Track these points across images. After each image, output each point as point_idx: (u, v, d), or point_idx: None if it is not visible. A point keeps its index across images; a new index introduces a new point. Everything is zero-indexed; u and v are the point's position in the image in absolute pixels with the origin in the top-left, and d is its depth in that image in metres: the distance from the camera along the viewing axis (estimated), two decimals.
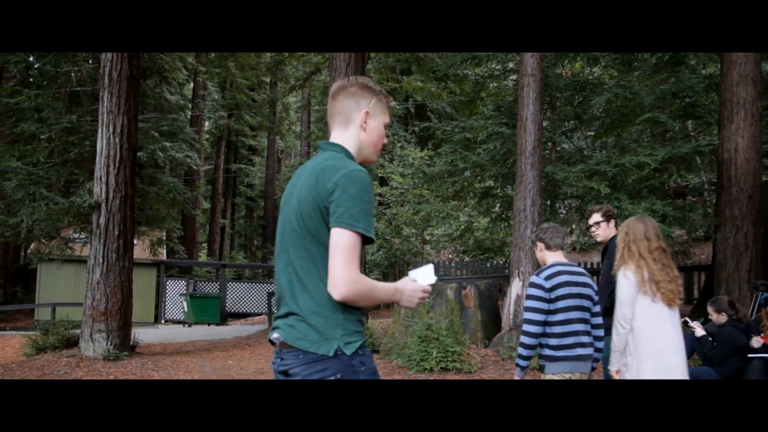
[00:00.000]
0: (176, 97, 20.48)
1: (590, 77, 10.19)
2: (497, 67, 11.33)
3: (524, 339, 3.73)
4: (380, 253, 17.51)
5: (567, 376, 3.58)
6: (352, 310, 1.95)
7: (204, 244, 32.18)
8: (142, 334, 12.50)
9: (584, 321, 3.69)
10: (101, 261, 10.50)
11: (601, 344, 3.79)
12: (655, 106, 9.27)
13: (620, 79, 9.54)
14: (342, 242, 1.86)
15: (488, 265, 16.06)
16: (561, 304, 3.62)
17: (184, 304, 18.71)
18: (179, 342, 13.38)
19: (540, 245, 3.84)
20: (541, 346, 3.70)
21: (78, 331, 12.38)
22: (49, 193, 10.69)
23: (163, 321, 19.55)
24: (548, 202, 10.39)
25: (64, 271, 19.64)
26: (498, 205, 11.52)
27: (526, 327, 3.74)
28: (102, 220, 10.47)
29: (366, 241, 1.93)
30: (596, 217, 4.62)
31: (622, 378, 3.73)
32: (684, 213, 9.26)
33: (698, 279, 13.10)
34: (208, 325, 18.03)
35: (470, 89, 12.60)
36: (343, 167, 1.95)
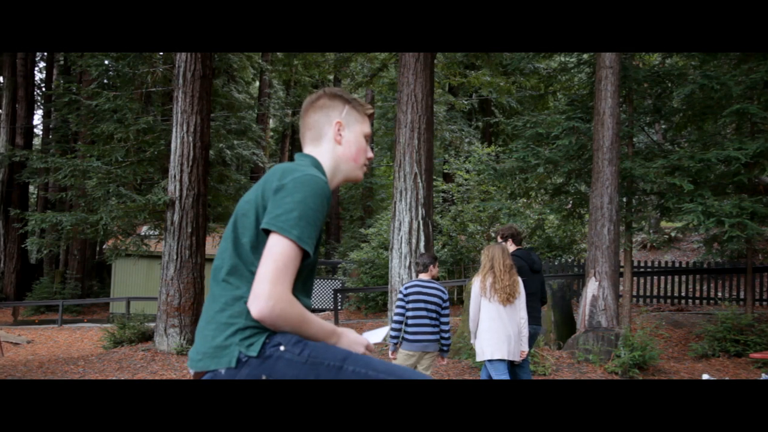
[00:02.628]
0: (243, 95, 20.85)
1: (671, 68, 9.68)
2: (571, 60, 10.94)
3: (392, 326, 5.26)
4: (445, 250, 17.33)
5: (413, 352, 5.14)
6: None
7: None
8: None
9: (430, 318, 5.18)
10: (175, 257, 10.75)
11: (448, 335, 5.26)
12: (743, 97, 8.74)
13: (706, 69, 9.03)
14: (276, 250, 1.57)
15: (556, 263, 15.64)
16: (411, 305, 5.23)
17: None
18: None
19: (419, 270, 5.50)
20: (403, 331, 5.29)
21: (152, 325, 12.78)
22: (126, 191, 11.02)
23: None
24: (624, 199, 9.98)
25: (137, 266, 20.33)
26: (570, 202, 11.15)
27: (393, 318, 5.30)
28: (176, 218, 10.72)
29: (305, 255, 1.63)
30: (499, 238, 5.99)
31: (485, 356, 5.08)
32: None
33: None
34: None
35: (540, 83, 12.24)
36: (299, 170, 1.68)
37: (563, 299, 9.89)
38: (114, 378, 9.58)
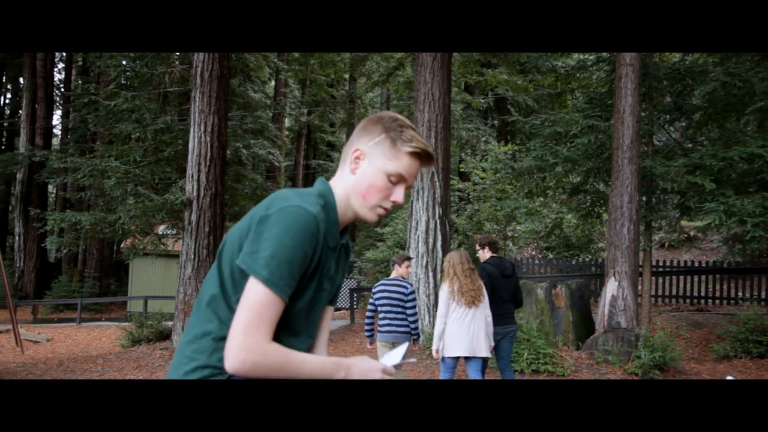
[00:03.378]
0: (259, 95, 20.91)
1: (692, 65, 9.55)
2: (590, 58, 10.84)
3: (366, 321, 6.19)
4: (461, 248, 17.27)
5: (386, 342, 5.89)
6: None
7: None
8: None
9: (395, 312, 5.93)
10: (192, 257, 10.81)
11: (416, 325, 5.97)
12: (767, 94, 8.59)
13: (728, 66, 8.89)
14: (250, 296, 1.43)
15: (573, 263, 15.52)
16: (379, 302, 6.00)
17: None
18: None
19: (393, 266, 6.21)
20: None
21: (170, 324, 12.85)
22: (144, 190, 11.10)
23: None
24: (644, 199, 9.86)
25: (155, 265, 20.49)
26: (589, 201, 11.05)
27: (366, 315, 6.20)
28: (193, 217, 10.78)
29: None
30: (477, 246, 6.50)
31: (440, 355, 5.65)
32: None
33: None
34: None
35: (558, 81, 12.14)
36: (289, 200, 1.50)
37: (581, 299, 9.80)
38: (132, 377, 9.64)
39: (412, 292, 5.96)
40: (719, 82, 8.59)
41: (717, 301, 13.72)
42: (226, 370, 1.44)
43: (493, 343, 5.76)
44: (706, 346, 9.98)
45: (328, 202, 1.61)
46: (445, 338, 5.61)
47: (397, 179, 1.63)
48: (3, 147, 32.02)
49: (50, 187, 29.65)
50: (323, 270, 1.57)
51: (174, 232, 12.67)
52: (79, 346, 14.92)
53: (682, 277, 14.06)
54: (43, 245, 23.24)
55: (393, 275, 6.13)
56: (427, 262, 10.58)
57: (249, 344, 1.40)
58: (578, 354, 8.73)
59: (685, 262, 14.54)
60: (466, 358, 5.64)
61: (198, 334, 1.53)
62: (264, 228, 1.46)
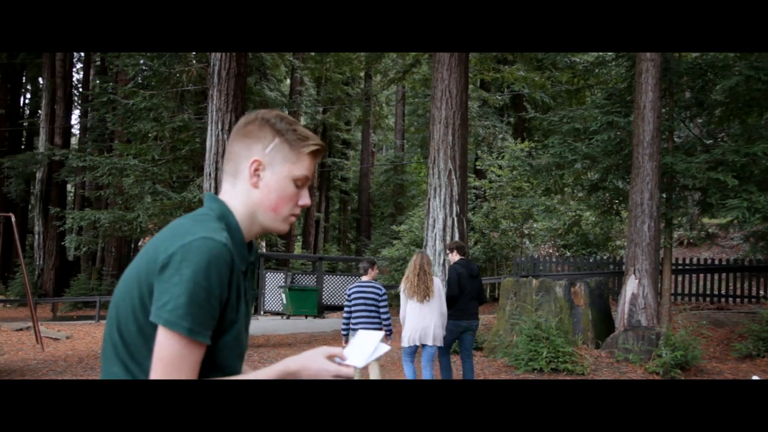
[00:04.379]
0: (275, 93, 20.97)
1: (713, 59, 9.40)
2: (609, 53, 10.73)
3: (343, 322, 6.62)
4: (478, 247, 17.19)
5: None
6: None
7: (299, 237, 32.96)
8: None
9: (369, 311, 6.44)
10: None
11: (389, 322, 6.49)
12: None
13: (752, 60, 8.74)
14: (164, 351, 1.32)
15: (591, 261, 15.39)
16: (354, 302, 6.51)
17: (283, 296, 19.15)
18: (281, 334, 13.69)
19: (361, 273, 6.79)
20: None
21: None
22: (162, 188, 11.17)
23: (262, 312, 20.11)
24: (664, 195, 9.75)
25: None
26: (608, 198, 10.94)
27: (344, 315, 6.61)
28: None
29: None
30: (447, 250, 7.47)
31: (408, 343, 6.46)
32: None
33: None
34: (306, 317, 18.35)
35: (576, 78, 12.03)
36: (190, 233, 1.36)
37: (600, 297, 9.71)
38: None
39: (384, 293, 6.61)
40: (742, 77, 8.46)
41: (738, 300, 13.54)
42: None
43: (444, 333, 6.57)
44: (728, 345, 9.84)
45: (230, 224, 1.47)
46: (402, 330, 6.52)
47: (302, 182, 1.53)
48: (23, 147, 32.41)
49: (69, 186, 29.98)
50: (240, 296, 1.45)
51: None
52: (98, 344, 15.05)
53: (702, 275, 13.89)
54: (63, 243, 23.51)
55: (365, 279, 6.70)
56: (444, 260, 10.53)
57: None
58: (598, 353, 8.65)
59: (705, 259, 14.36)
60: (423, 346, 6.47)
61: None
62: (171, 272, 1.32)
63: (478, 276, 7.05)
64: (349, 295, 6.61)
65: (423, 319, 6.36)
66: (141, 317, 1.37)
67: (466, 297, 6.77)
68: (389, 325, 6.53)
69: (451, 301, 6.76)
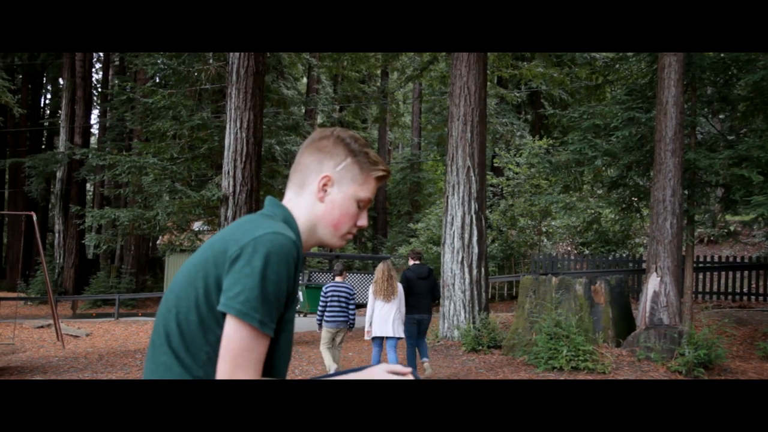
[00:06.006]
0: (292, 91, 21.00)
1: (737, 54, 9.24)
2: None
3: (318, 313, 7.93)
4: (495, 245, 17.10)
5: (331, 329, 7.80)
6: None
7: None
8: None
9: (341, 307, 7.81)
10: None
11: (353, 315, 7.90)
12: None
13: None
14: (233, 342, 1.33)
15: (610, 259, 15.24)
16: (329, 299, 7.82)
17: (300, 294, 19.20)
18: (299, 332, 13.70)
19: (336, 274, 8.23)
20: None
21: None
22: (181, 187, 11.22)
23: None
24: (686, 192, 9.61)
25: None
26: (628, 195, 10.80)
27: (318, 308, 7.92)
28: (229, 213, 10.86)
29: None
30: (408, 256, 8.65)
31: (371, 335, 7.74)
32: None
33: None
34: None
35: (595, 74, 11.90)
36: (261, 227, 1.39)
37: (621, 295, 9.59)
38: None
39: (353, 293, 8.05)
40: (767, 71, 8.31)
41: (761, 298, 13.33)
42: None
43: (403, 327, 7.80)
44: (752, 344, 9.68)
45: (293, 230, 1.51)
46: (372, 324, 7.72)
47: (365, 204, 1.57)
48: (43, 146, 32.82)
49: (88, 186, 30.30)
50: (293, 298, 1.46)
51: (210, 228, 12.79)
52: (117, 341, 15.19)
53: (724, 273, 13.70)
54: (83, 241, 23.75)
55: (338, 279, 8.14)
56: (462, 257, 10.48)
57: None
58: (619, 351, 8.54)
59: (727, 257, 14.16)
60: (387, 338, 7.67)
61: None
62: (242, 264, 1.34)
63: (429, 277, 8.27)
64: (325, 293, 7.94)
65: (387, 314, 7.69)
66: (204, 308, 1.38)
67: (416, 295, 8.12)
68: (354, 318, 8.01)
69: (405, 299, 8.10)
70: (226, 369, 1.34)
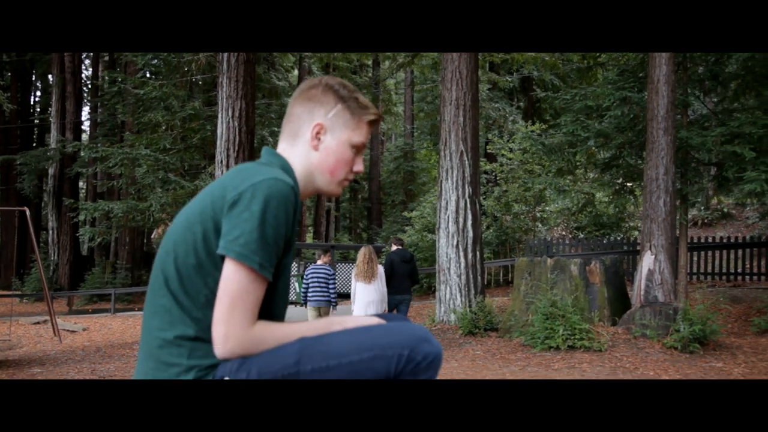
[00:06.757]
0: (283, 83, 20.93)
1: None
2: None
3: (302, 293, 8.54)
4: (490, 231, 17.13)
5: (313, 308, 8.52)
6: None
7: (310, 228, 33.00)
8: None
9: (321, 287, 8.48)
10: None
11: (335, 294, 8.56)
12: None
13: None
14: (231, 284, 1.34)
15: (605, 242, 15.29)
16: (310, 279, 8.52)
17: (296, 285, 19.19)
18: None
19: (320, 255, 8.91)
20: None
21: None
22: (174, 177, 11.19)
23: None
24: (679, 171, 9.64)
25: None
26: (621, 176, 10.84)
27: (302, 288, 8.56)
28: None
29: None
30: (392, 240, 9.34)
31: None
32: None
33: None
34: None
35: (587, 57, 11.90)
36: (259, 174, 1.40)
37: (616, 275, 9.64)
38: None
39: (333, 275, 8.65)
40: None
41: (755, 277, 13.42)
42: (217, 357, 1.39)
43: (386, 307, 8.29)
44: (746, 321, 9.76)
45: (290, 177, 1.54)
46: (354, 305, 8.13)
47: (359, 149, 1.60)
48: (34, 144, 32.61)
49: (81, 183, 30.14)
50: (293, 242, 1.48)
51: None
52: (114, 335, 15.17)
53: (718, 254, 13.77)
54: (78, 234, 23.66)
55: (319, 263, 8.70)
56: (457, 241, 10.50)
57: (236, 333, 1.35)
58: (615, 329, 8.60)
59: (721, 237, 14.24)
60: None
61: (169, 339, 1.41)
62: (241, 208, 1.36)
63: (410, 261, 8.91)
64: (307, 275, 8.61)
65: (369, 295, 8.11)
66: (202, 252, 1.40)
67: (399, 277, 8.69)
68: (335, 297, 8.66)
69: (387, 281, 8.53)
70: (223, 310, 1.35)
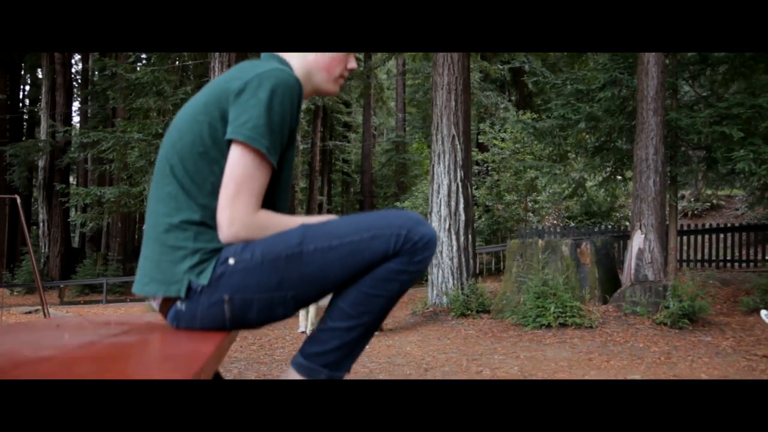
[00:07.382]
0: None
1: None
2: None
3: None
4: (482, 220, 17.22)
5: None
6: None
7: None
8: None
9: None
10: None
11: None
12: None
13: None
14: (237, 168, 1.37)
15: (596, 230, 15.41)
16: None
17: None
18: None
19: None
20: None
21: None
22: None
23: None
24: (669, 152, 9.74)
25: None
26: (612, 160, 10.93)
27: None
28: None
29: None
30: None
31: None
32: None
33: None
34: None
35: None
36: (263, 66, 1.44)
37: (607, 256, 9.74)
38: None
39: None
40: None
41: (744, 264, 13.57)
42: (221, 242, 1.42)
43: None
44: (735, 302, 9.88)
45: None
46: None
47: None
48: (24, 138, 32.41)
49: (71, 179, 29.98)
50: (294, 136, 1.52)
51: None
52: None
53: (707, 241, 13.92)
54: (69, 220, 23.50)
55: None
56: (450, 225, 10.56)
57: (241, 217, 1.38)
58: (605, 308, 8.70)
59: (710, 224, 14.38)
60: None
61: (175, 223, 1.43)
62: (248, 96, 1.39)
63: None
64: None
65: None
66: (208, 140, 1.43)
67: None
68: None
69: None
70: (228, 195, 1.38)
